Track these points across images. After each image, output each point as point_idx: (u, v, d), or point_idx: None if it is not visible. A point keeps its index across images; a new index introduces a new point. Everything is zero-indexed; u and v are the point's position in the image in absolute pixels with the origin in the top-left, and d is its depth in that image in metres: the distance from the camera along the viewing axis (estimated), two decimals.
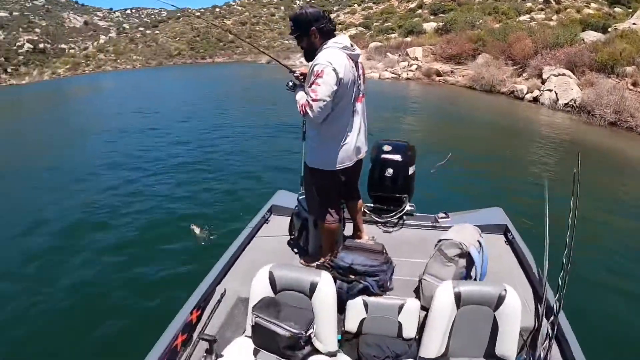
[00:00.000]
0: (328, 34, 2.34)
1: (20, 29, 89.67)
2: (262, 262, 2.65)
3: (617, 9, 29.65)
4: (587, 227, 4.52)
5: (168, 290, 3.62)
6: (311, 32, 2.30)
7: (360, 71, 2.46)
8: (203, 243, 4.13)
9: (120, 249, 4.59)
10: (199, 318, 2.15)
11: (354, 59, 2.36)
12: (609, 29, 19.29)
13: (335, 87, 2.21)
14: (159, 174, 7.46)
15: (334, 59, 2.21)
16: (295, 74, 2.53)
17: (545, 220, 2.34)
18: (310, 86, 2.24)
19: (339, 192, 2.64)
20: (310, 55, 2.37)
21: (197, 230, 3.81)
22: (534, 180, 6.28)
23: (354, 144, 2.45)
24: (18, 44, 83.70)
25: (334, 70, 2.18)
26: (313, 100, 2.21)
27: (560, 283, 1.99)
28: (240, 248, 2.84)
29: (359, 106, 2.46)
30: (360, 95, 2.46)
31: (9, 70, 67.49)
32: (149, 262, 4.23)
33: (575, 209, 2.08)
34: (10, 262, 4.50)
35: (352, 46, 2.36)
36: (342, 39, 2.35)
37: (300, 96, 2.34)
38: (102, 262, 4.32)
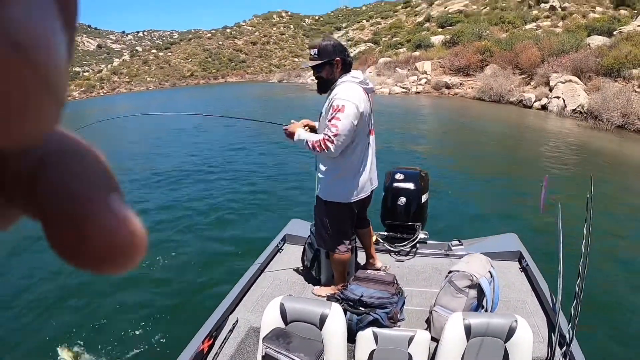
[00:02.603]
0: (348, 66, 2.39)
1: None
2: (275, 292, 2.69)
3: (622, 11, 29.53)
4: (603, 249, 4.39)
5: (181, 319, 3.64)
6: (335, 62, 2.34)
7: (371, 104, 2.51)
8: None
9: (134, 275, 4.62)
10: (210, 347, 2.17)
11: (369, 92, 2.41)
12: (614, 32, 19.26)
13: (355, 122, 2.25)
14: (173, 197, 7.56)
15: (354, 94, 2.26)
16: (285, 129, 2.51)
17: (558, 246, 2.30)
18: (330, 120, 2.27)
19: (352, 224, 2.66)
20: (324, 86, 2.40)
21: (64, 354, 3.44)
22: (547, 202, 6.16)
23: (369, 175, 2.50)
24: None
25: (355, 105, 2.23)
26: (334, 135, 2.22)
27: (573, 312, 1.97)
28: (254, 277, 2.87)
29: (371, 139, 2.51)
30: (372, 128, 2.52)
31: None
32: (162, 290, 4.25)
33: (588, 236, 2.06)
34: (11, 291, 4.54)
35: (366, 80, 2.41)
36: (357, 73, 2.41)
37: (310, 136, 2.36)
38: (114, 287, 4.34)
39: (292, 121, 2.55)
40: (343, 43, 2.50)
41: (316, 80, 2.45)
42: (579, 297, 1.98)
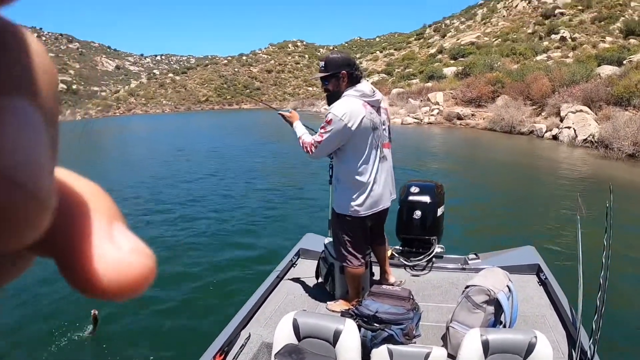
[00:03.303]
0: (355, 80, 2.43)
1: None
2: (288, 307, 2.66)
3: (632, 41, 29.73)
4: (625, 264, 4.31)
5: (192, 334, 3.61)
6: (341, 75, 2.40)
7: (384, 117, 2.53)
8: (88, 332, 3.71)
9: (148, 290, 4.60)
10: None
11: (375, 105, 2.45)
12: (624, 62, 19.38)
13: (339, 136, 2.33)
14: (187, 215, 7.58)
15: (346, 109, 2.31)
16: (280, 113, 2.73)
17: (578, 258, 2.25)
18: (320, 128, 2.39)
19: (366, 238, 2.65)
20: (332, 99, 2.45)
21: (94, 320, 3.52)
22: (565, 217, 6.11)
23: (382, 189, 2.50)
24: None
25: (341, 120, 2.29)
26: (318, 142, 2.38)
27: (594, 326, 1.92)
28: (267, 292, 2.84)
29: (386, 152, 2.53)
30: (387, 141, 2.53)
31: None
32: (173, 305, 4.22)
33: (609, 247, 2.02)
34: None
35: (373, 92, 2.44)
36: (362, 86, 2.44)
37: (304, 135, 2.51)
38: (126, 302, 4.34)
39: (290, 110, 2.76)
40: None
41: (325, 93, 2.53)
42: (600, 311, 1.93)
